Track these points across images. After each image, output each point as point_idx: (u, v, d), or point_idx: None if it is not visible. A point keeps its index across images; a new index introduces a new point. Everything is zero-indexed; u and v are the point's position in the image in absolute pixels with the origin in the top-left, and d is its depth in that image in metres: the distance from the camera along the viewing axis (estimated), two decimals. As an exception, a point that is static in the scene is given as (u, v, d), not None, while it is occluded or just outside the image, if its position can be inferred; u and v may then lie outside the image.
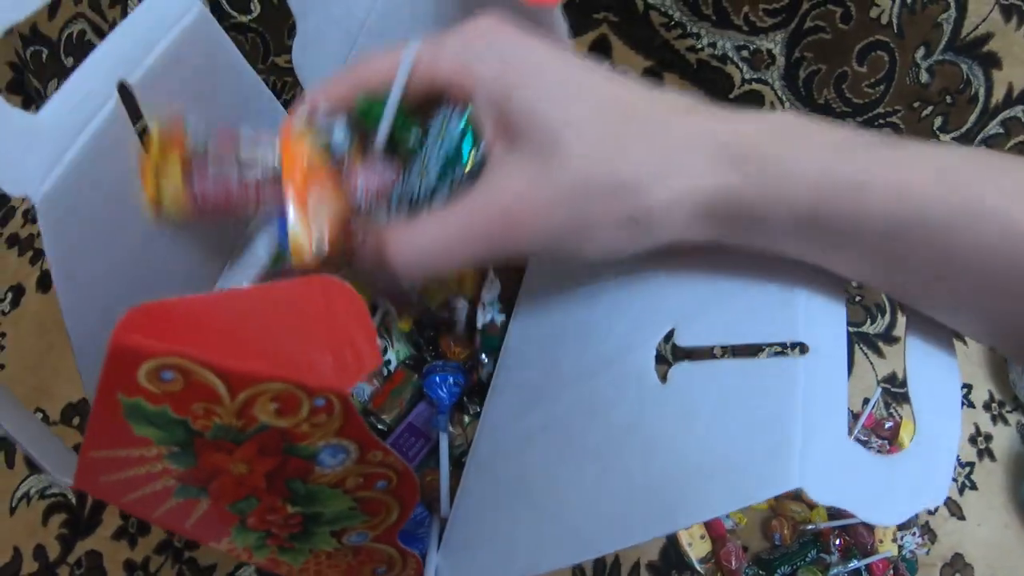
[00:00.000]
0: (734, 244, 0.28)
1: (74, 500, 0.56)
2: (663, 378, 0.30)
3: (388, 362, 0.45)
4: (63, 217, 0.32)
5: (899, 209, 0.24)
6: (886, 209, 0.24)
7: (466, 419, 0.43)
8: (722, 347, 0.29)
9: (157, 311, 0.21)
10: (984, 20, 0.59)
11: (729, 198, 0.26)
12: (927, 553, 0.58)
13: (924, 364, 0.27)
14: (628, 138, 0.27)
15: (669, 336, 0.31)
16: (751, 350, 0.28)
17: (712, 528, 0.54)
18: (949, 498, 0.61)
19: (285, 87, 0.62)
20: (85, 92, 0.33)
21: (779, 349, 0.28)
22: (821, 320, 0.27)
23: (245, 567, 0.53)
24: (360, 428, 0.23)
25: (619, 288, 0.34)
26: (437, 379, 0.42)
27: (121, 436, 0.23)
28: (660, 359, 0.31)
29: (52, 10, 0.60)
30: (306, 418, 0.22)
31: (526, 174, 0.28)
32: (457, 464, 0.40)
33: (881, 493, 0.24)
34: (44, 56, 0.62)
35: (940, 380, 0.27)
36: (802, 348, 0.27)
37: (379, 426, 0.42)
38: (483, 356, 0.43)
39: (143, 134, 0.35)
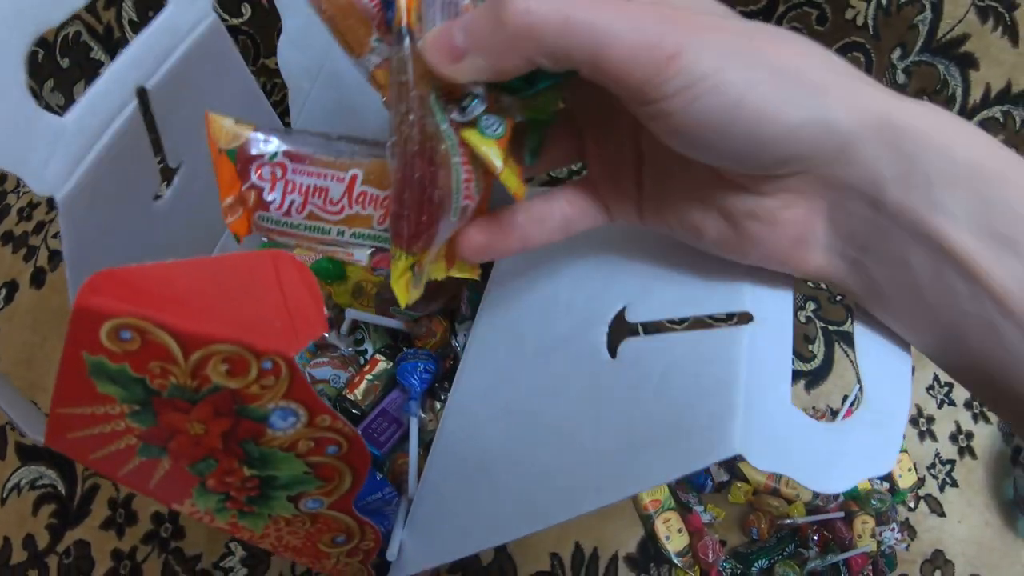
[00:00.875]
0: (893, 199, 0.23)
1: (64, 491, 0.57)
2: (613, 354, 0.31)
3: (364, 351, 0.46)
4: (82, 215, 0.34)
5: None
6: None
7: (437, 405, 0.44)
8: (670, 320, 0.30)
9: (119, 276, 0.23)
10: (960, 21, 0.60)
11: (912, 124, 0.22)
12: (907, 549, 0.58)
13: (872, 329, 0.27)
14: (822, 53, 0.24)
15: (622, 313, 0.31)
16: (698, 322, 0.29)
17: (689, 522, 0.54)
18: (930, 495, 0.61)
19: (274, 89, 0.63)
20: (107, 97, 0.35)
21: (725, 320, 0.29)
22: (767, 291, 0.28)
23: (230, 556, 0.54)
24: (306, 391, 0.24)
25: (578, 267, 0.35)
26: (409, 367, 0.43)
27: (86, 393, 0.24)
28: (612, 336, 0.32)
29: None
30: (255, 380, 0.23)
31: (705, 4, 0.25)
32: (428, 448, 0.41)
33: (826, 461, 0.24)
34: (40, 57, 0.64)
35: (889, 345, 0.27)
36: (747, 318, 0.27)
37: (353, 411, 0.43)
38: (455, 344, 0.44)
39: None
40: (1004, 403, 0.25)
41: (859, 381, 0.28)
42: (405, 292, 0.28)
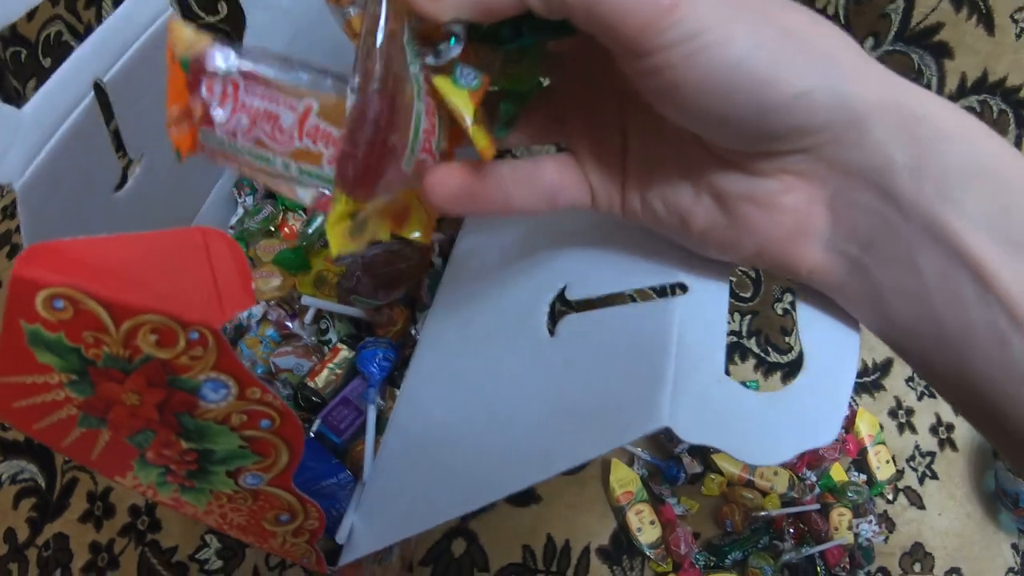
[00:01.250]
0: (905, 190, 0.21)
1: (44, 485, 0.58)
2: (552, 331, 0.31)
3: (329, 340, 0.46)
4: (40, 206, 0.35)
5: None
6: None
7: (397, 393, 0.44)
8: (609, 295, 0.30)
9: (55, 248, 0.23)
10: (933, 10, 0.60)
11: (930, 113, 0.21)
12: (885, 541, 0.58)
13: (817, 300, 0.26)
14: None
15: (563, 292, 0.32)
16: (634, 296, 0.29)
17: (662, 514, 0.54)
18: (909, 487, 0.61)
19: (253, 86, 0.64)
20: (64, 90, 0.36)
21: (661, 292, 0.29)
22: (704, 262, 0.27)
23: (205, 548, 0.54)
24: (234, 363, 0.24)
25: (525, 250, 0.35)
26: (368, 354, 0.43)
27: (26, 362, 0.25)
28: (553, 314, 0.32)
29: (30, 12, 0.63)
30: (184, 350, 0.24)
31: None
32: (387, 435, 0.41)
33: (761, 432, 0.24)
34: (23, 56, 0.65)
35: (834, 314, 0.26)
36: (683, 289, 0.27)
37: (314, 399, 0.44)
38: (413, 332, 0.44)
39: None
40: (995, 423, 0.23)
41: (800, 349, 0.27)
42: (339, 239, 0.25)
